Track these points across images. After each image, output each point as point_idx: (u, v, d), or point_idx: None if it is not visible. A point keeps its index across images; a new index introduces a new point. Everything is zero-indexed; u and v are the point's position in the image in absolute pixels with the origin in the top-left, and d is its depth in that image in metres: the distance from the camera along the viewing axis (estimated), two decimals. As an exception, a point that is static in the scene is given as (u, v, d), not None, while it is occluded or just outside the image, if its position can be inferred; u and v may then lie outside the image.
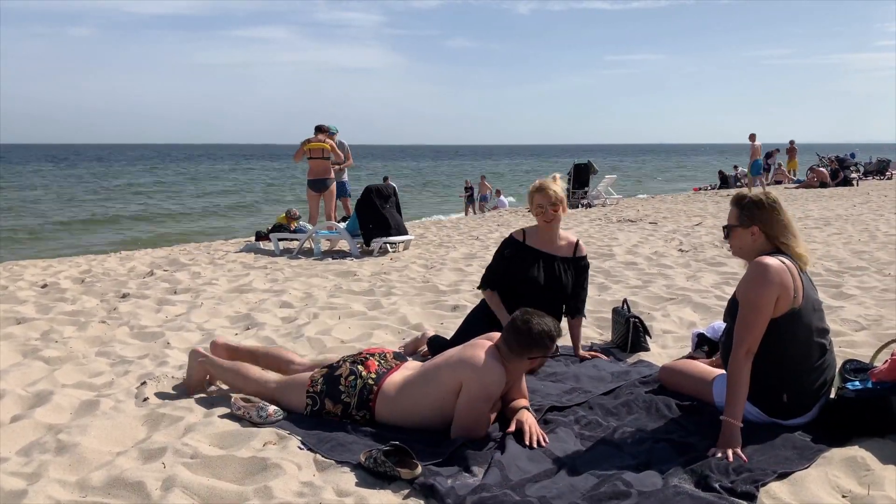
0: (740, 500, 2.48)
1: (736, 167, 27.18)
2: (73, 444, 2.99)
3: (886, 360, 3.07)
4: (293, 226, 10.48)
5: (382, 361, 3.37)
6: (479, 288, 4.41)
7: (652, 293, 6.11)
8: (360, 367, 3.31)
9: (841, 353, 3.99)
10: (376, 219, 9.09)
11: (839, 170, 23.29)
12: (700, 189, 26.41)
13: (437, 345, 4.19)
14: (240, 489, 2.63)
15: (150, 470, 2.75)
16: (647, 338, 4.51)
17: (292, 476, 2.71)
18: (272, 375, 3.54)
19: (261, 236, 11.01)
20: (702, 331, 4.25)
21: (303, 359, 3.77)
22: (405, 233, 9.54)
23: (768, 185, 25.11)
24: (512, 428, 3.07)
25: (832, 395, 3.16)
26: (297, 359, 3.73)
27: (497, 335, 3.24)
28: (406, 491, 2.64)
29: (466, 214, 21.44)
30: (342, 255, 9.26)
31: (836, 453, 2.81)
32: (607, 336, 4.83)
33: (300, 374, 3.45)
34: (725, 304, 3.23)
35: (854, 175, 23.74)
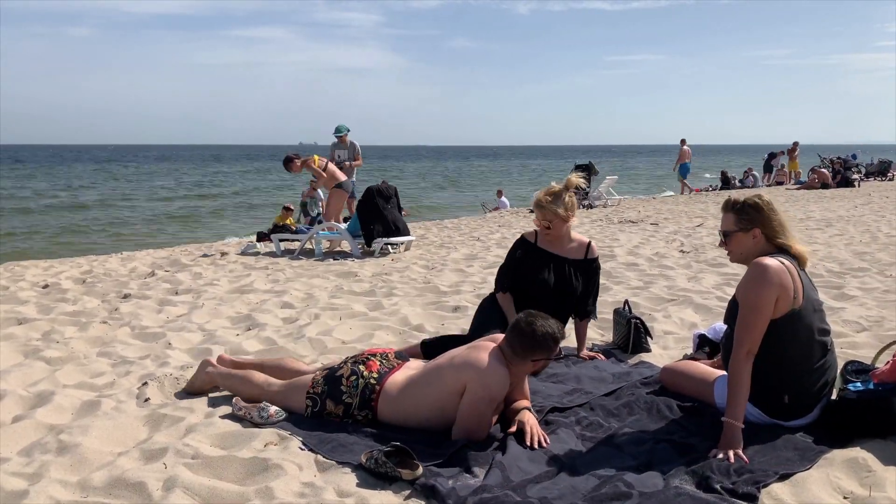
0: (741, 502, 2.48)
1: (749, 169, 27.15)
2: (75, 444, 2.99)
3: (888, 362, 3.07)
4: (294, 226, 10.48)
5: (384, 361, 3.37)
6: (495, 292, 4.38)
7: (653, 294, 6.11)
8: (362, 367, 3.31)
9: (842, 354, 3.99)
10: (378, 219, 9.10)
11: (839, 171, 23.28)
12: (701, 190, 26.40)
13: (430, 346, 4.18)
14: (241, 490, 2.63)
15: (152, 470, 2.75)
16: (649, 339, 4.51)
17: (293, 477, 2.72)
18: (276, 379, 3.54)
19: (262, 237, 11.02)
20: (703, 332, 4.25)
21: (310, 366, 3.76)
22: (406, 233, 9.54)
23: (770, 186, 25.13)
24: (513, 429, 3.07)
25: (833, 397, 3.16)
26: (305, 367, 3.71)
27: (501, 336, 3.24)
28: (407, 492, 2.64)
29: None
30: (343, 255, 9.26)
31: (838, 454, 2.81)
32: (608, 337, 4.83)
33: (301, 377, 3.44)
34: (726, 305, 3.22)
35: (856, 176, 23.72)
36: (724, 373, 3.21)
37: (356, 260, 8.80)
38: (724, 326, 3.36)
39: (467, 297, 6.10)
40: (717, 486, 2.55)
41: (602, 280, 6.78)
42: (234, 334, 5.05)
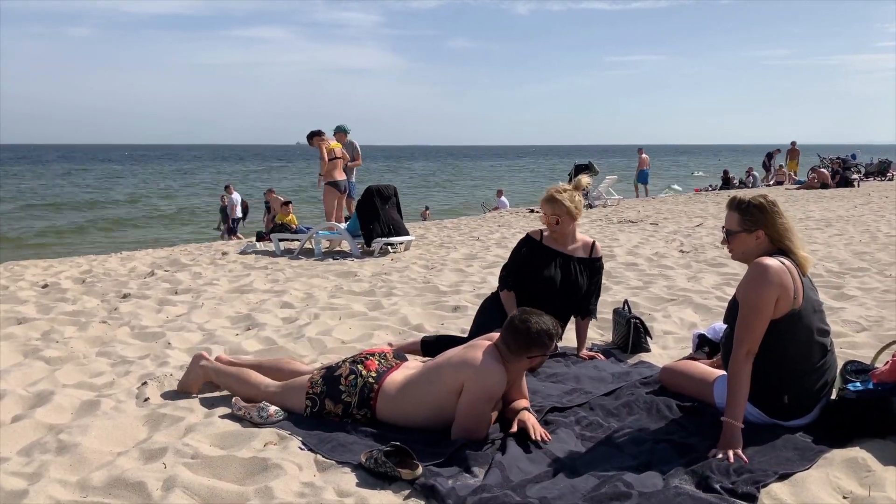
0: (741, 501, 2.48)
1: (750, 169, 27.14)
2: (74, 444, 2.99)
3: (887, 362, 3.07)
4: (294, 226, 10.48)
5: (383, 360, 3.38)
6: (498, 289, 4.40)
7: (653, 294, 6.11)
8: (360, 367, 3.31)
9: (842, 354, 3.99)
10: (377, 219, 9.10)
11: (838, 171, 23.28)
12: (701, 190, 26.40)
13: (430, 344, 4.19)
14: (240, 489, 2.63)
15: (151, 470, 2.75)
16: (648, 339, 4.51)
17: (293, 476, 2.72)
18: (272, 380, 3.53)
19: (261, 237, 11.02)
20: (702, 332, 4.25)
21: (308, 366, 3.76)
22: (406, 233, 9.54)
23: (769, 185, 25.12)
24: (514, 429, 3.07)
25: (833, 396, 3.16)
26: (303, 367, 3.71)
27: (497, 335, 3.24)
28: (407, 491, 2.64)
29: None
30: (343, 255, 9.26)
31: (837, 454, 2.81)
32: (608, 337, 4.83)
33: (299, 378, 3.44)
34: (726, 305, 3.22)
35: (855, 176, 23.72)
36: (724, 373, 3.21)
37: (356, 260, 8.80)
38: (724, 326, 3.36)
39: (467, 297, 6.10)
40: (717, 486, 2.55)
41: (602, 280, 6.80)
42: (233, 334, 5.05)
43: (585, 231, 11.61)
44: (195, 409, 3.46)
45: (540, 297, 4.17)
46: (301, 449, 2.97)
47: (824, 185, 21.69)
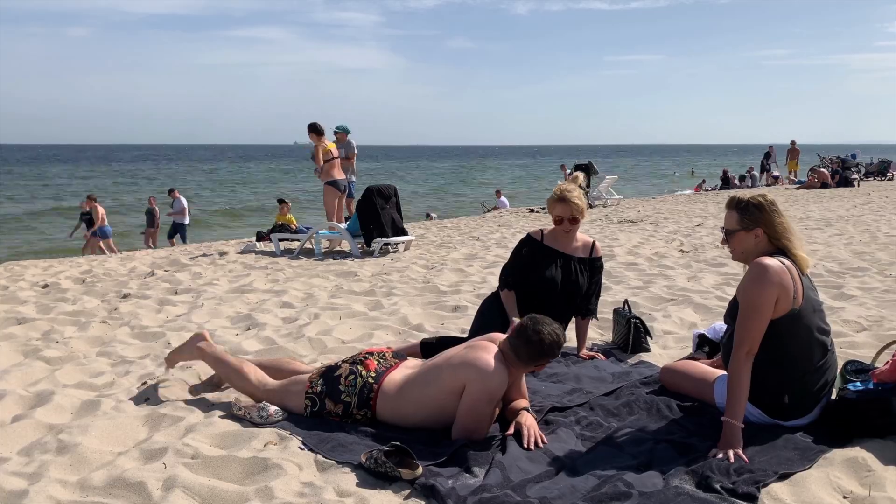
0: (741, 501, 2.48)
1: (751, 168, 27.15)
2: (74, 444, 2.99)
3: (888, 361, 3.07)
4: (293, 226, 10.49)
5: (382, 360, 3.38)
6: (498, 288, 4.40)
7: (653, 294, 6.11)
8: (360, 367, 3.31)
9: (842, 353, 3.99)
10: (377, 219, 9.10)
11: (838, 170, 23.29)
12: (700, 189, 26.41)
13: (430, 346, 4.18)
14: (241, 489, 2.63)
15: (151, 470, 2.75)
16: (648, 338, 4.51)
17: (293, 476, 2.71)
18: (271, 379, 3.53)
19: (261, 237, 11.03)
20: (703, 331, 4.25)
21: (309, 366, 3.75)
22: (406, 233, 9.54)
23: (769, 185, 25.13)
24: (511, 431, 3.07)
25: (833, 396, 3.16)
26: (302, 367, 3.71)
27: (498, 335, 3.24)
28: (407, 491, 2.64)
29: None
30: (343, 255, 9.27)
31: (838, 454, 2.80)
32: (608, 337, 4.83)
33: (298, 377, 3.44)
34: (726, 304, 3.22)
35: (855, 176, 23.72)
36: (724, 372, 3.21)
37: (356, 259, 8.80)
38: (724, 326, 3.36)
39: (467, 297, 6.10)
40: (717, 486, 2.54)
41: (602, 279, 6.80)
42: (233, 334, 5.05)
43: (585, 231, 11.61)
44: (195, 409, 3.46)
45: (541, 298, 4.17)
46: (301, 449, 2.96)
47: (824, 185, 21.70)
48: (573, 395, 3.61)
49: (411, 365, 3.40)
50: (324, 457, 2.89)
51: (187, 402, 3.56)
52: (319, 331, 5.06)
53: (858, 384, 3.07)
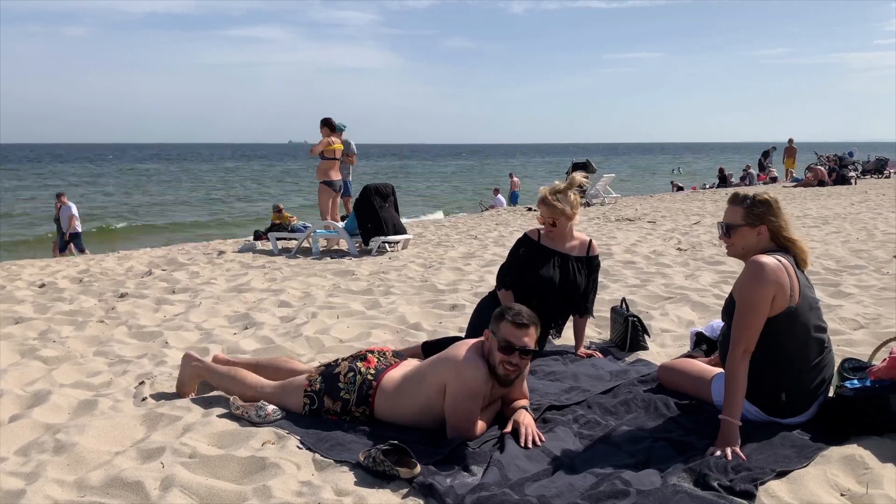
0: (739, 499, 2.48)
1: (748, 167, 27.17)
2: (72, 443, 2.98)
3: (885, 359, 3.07)
4: (290, 222, 10.47)
5: (381, 358, 3.38)
6: (496, 289, 4.39)
7: (650, 292, 6.11)
8: (359, 364, 3.31)
9: (839, 351, 3.99)
10: (375, 218, 9.09)
11: (835, 168, 23.32)
12: (697, 188, 26.42)
13: (428, 349, 4.18)
14: (238, 489, 2.63)
15: (149, 470, 2.74)
16: (646, 337, 4.51)
17: (291, 475, 2.71)
18: (268, 381, 3.52)
19: (259, 235, 11.01)
20: (700, 329, 4.25)
21: (306, 365, 3.75)
22: (403, 232, 9.54)
23: (767, 184, 25.14)
24: (508, 429, 3.07)
25: (831, 394, 3.16)
26: (300, 366, 3.71)
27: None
28: (405, 490, 2.64)
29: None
30: (341, 254, 9.26)
31: (835, 452, 2.81)
32: (606, 335, 4.83)
33: (295, 378, 3.44)
34: (723, 302, 3.23)
35: (852, 174, 23.75)
36: (722, 370, 3.22)
37: (353, 258, 8.79)
38: (721, 324, 3.36)
39: (465, 296, 6.10)
40: (715, 484, 2.55)
41: (599, 278, 6.80)
42: (231, 333, 5.05)
43: (583, 230, 11.61)
44: (192, 408, 3.46)
45: (539, 297, 4.18)
46: (299, 448, 2.96)
47: (821, 183, 21.71)
48: (571, 394, 3.61)
49: (410, 364, 3.40)
50: (322, 456, 2.89)
51: (185, 401, 3.55)
52: (317, 330, 5.05)
53: (856, 382, 3.07)
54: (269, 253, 9.51)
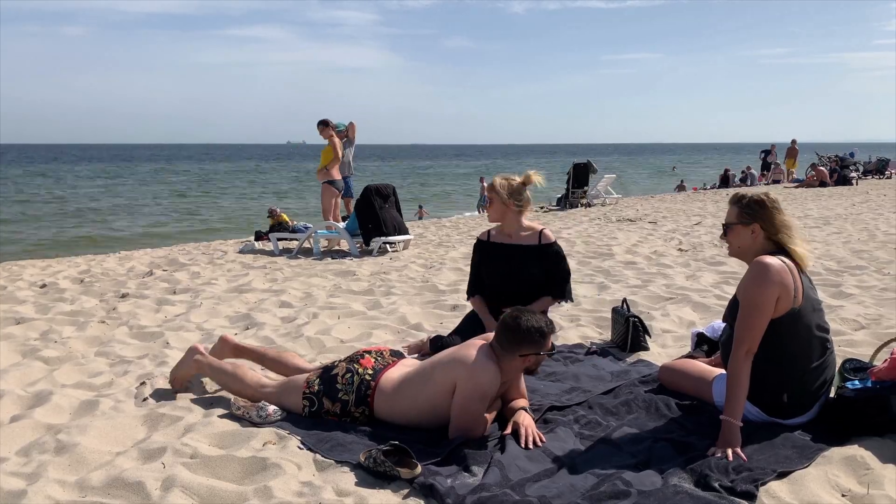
0: (740, 500, 2.48)
1: (748, 167, 27.19)
2: (73, 444, 2.99)
3: (886, 360, 3.07)
4: (291, 224, 10.48)
5: (379, 358, 3.38)
6: (466, 299, 4.60)
7: (651, 292, 6.11)
8: (357, 365, 3.31)
9: (840, 352, 3.99)
10: (376, 218, 9.09)
11: (836, 169, 23.32)
12: (699, 189, 26.42)
13: (439, 344, 4.22)
14: (239, 489, 2.63)
15: (150, 470, 2.75)
16: (647, 337, 4.51)
17: (292, 476, 2.71)
18: (268, 380, 3.53)
19: (260, 236, 11.01)
20: (701, 330, 4.25)
21: (310, 364, 3.75)
22: (405, 232, 9.54)
23: (766, 184, 25.14)
24: (508, 430, 3.07)
25: (832, 395, 3.16)
26: (305, 365, 3.71)
27: (492, 334, 3.25)
28: (406, 490, 2.64)
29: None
30: (341, 254, 9.26)
31: (836, 452, 2.81)
32: (607, 335, 4.83)
33: (296, 378, 3.44)
34: (725, 303, 3.23)
35: (853, 174, 23.75)
36: (723, 371, 3.22)
37: (354, 259, 8.79)
38: (723, 324, 3.36)
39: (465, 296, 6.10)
40: (716, 485, 2.55)
41: (600, 278, 6.83)
42: (232, 333, 5.05)
43: (584, 230, 11.61)
44: (193, 408, 3.46)
45: (497, 294, 4.36)
46: (300, 448, 2.96)
47: (822, 184, 21.71)
48: (572, 394, 3.61)
49: (409, 364, 3.40)
50: (322, 456, 2.89)
51: (186, 401, 3.55)
52: (318, 330, 5.06)
53: (857, 382, 3.07)
54: (270, 253, 9.52)
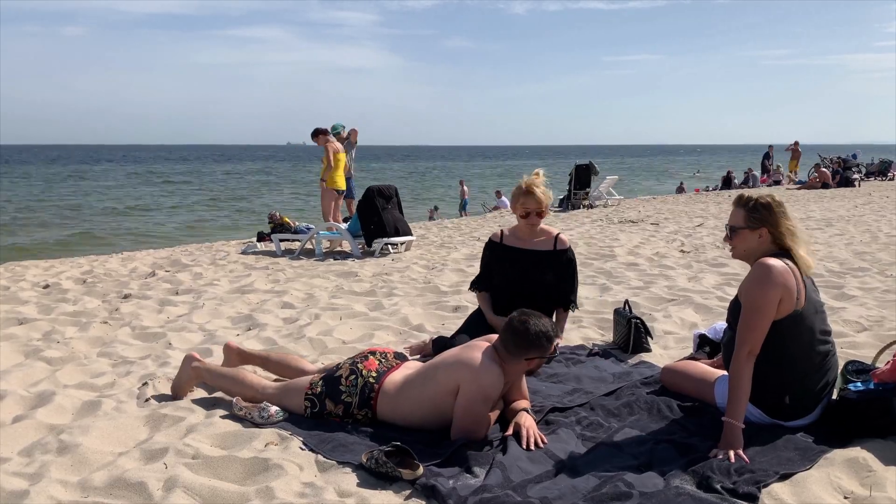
0: (742, 501, 2.48)
1: (750, 169, 27.16)
2: (75, 444, 2.99)
3: (888, 362, 3.07)
4: (292, 225, 10.49)
5: (383, 360, 3.38)
6: (470, 289, 4.52)
7: (653, 294, 6.11)
8: (361, 366, 3.31)
9: (843, 354, 3.98)
10: (378, 219, 9.10)
11: (839, 171, 23.29)
12: (701, 190, 26.41)
13: (441, 345, 4.21)
14: (241, 490, 2.63)
15: (152, 470, 2.75)
16: (649, 339, 4.51)
17: (294, 476, 2.72)
18: (270, 382, 3.53)
19: (262, 237, 11.02)
20: (703, 331, 4.25)
21: (313, 366, 3.76)
22: (407, 233, 9.54)
23: (768, 185, 25.11)
24: (509, 431, 3.07)
25: (834, 397, 3.16)
26: (309, 367, 3.71)
27: (496, 336, 3.24)
28: (408, 491, 2.64)
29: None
30: (344, 255, 9.27)
31: (838, 454, 2.80)
32: (609, 337, 4.83)
33: (298, 379, 3.44)
34: (727, 304, 3.22)
35: (856, 176, 23.72)
36: (725, 373, 3.21)
37: (356, 260, 8.80)
38: (725, 326, 3.35)
39: (468, 297, 6.10)
40: (718, 486, 2.55)
41: (602, 280, 6.82)
42: (234, 334, 5.05)
43: (586, 231, 11.61)
44: (195, 409, 3.46)
45: (507, 298, 4.26)
46: (302, 449, 2.97)
47: (825, 185, 21.69)
48: (574, 396, 3.61)
49: (412, 365, 3.41)
50: (324, 457, 2.89)
51: (188, 402, 3.56)
52: (320, 331, 5.06)
53: (859, 384, 3.07)
54: (273, 254, 9.52)
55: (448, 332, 4.82)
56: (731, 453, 2.76)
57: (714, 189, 26.53)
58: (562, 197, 17.91)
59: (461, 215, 21.06)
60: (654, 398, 3.45)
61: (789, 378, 3.01)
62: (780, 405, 3.05)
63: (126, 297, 6.44)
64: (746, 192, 3.26)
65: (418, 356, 4.35)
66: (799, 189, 21.88)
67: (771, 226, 3.03)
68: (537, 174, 4.37)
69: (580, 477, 2.71)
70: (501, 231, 4.46)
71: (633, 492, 2.52)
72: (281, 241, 9.89)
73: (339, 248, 9.95)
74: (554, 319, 4.40)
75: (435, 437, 3.07)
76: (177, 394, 3.69)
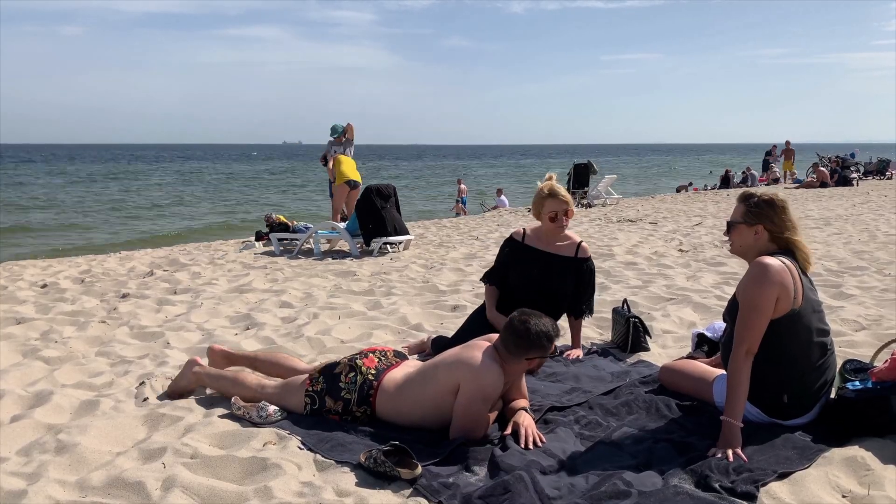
0: (740, 500, 2.48)
1: (749, 168, 27.19)
2: (73, 444, 2.99)
3: (886, 360, 3.07)
4: (292, 224, 10.50)
5: (382, 358, 3.38)
6: (481, 280, 4.43)
7: (652, 293, 6.11)
8: (360, 364, 3.31)
9: (841, 352, 3.99)
10: (376, 219, 9.09)
11: (837, 170, 23.32)
12: (700, 189, 26.42)
13: (440, 344, 4.21)
14: (240, 489, 2.63)
15: (150, 470, 2.75)
16: (648, 338, 4.51)
17: (292, 476, 2.71)
18: (269, 381, 3.53)
19: (260, 236, 11.02)
20: (702, 331, 4.25)
21: (308, 365, 3.75)
22: (405, 233, 9.54)
23: (767, 184, 25.13)
24: (508, 431, 3.07)
25: (832, 396, 3.16)
26: (302, 366, 3.71)
27: (496, 336, 3.24)
28: (407, 491, 2.64)
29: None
30: (342, 255, 9.26)
31: (837, 453, 2.81)
32: (607, 336, 4.83)
33: (296, 378, 3.44)
34: (725, 303, 3.22)
35: (854, 175, 23.74)
36: (723, 372, 3.21)
37: (355, 259, 8.80)
38: (723, 325, 3.36)
39: (466, 297, 6.10)
40: (716, 485, 2.55)
41: (601, 279, 6.82)
42: (232, 333, 5.05)
43: (584, 230, 11.61)
44: (194, 408, 3.46)
45: (521, 298, 4.17)
46: (300, 448, 2.96)
47: (823, 184, 21.71)
48: (572, 395, 3.61)
49: (412, 364, 3.41)
50: (323, 456, 2.89)
51: (186, 402, 3.55)
52: (318, 330, 5.06)
53: (857, 383, 3.07)
54: (271, 254, 9.52)
55: (446, 331, 4.82)
56: (730, 452, 2.77)
57: (713, 188, 26.55)
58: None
59: (457, 214, 21.11)
60: (653, 397, 3.45)
61: (788, 377, 3.01)
62: (779, 404, 3.05)
63: (124, 296, 6.43)
64: (752, 189, 3.25)
65: (417, 355, 4.35)
66: (797, 188, 21.90)
67: (768, 222, 3.03)
68: (550, 178, 4.35)
69: (579, 475, 2.71)
70: (524, 230, 4.38)
71: (631, 490, 2.52)
72: (279, 240, 9.89)
73: (337, 248, 9.95)
74: (567, 326, 4.41)
75: (434, 437, 3.07)
76: (174, 394, 3.68)
